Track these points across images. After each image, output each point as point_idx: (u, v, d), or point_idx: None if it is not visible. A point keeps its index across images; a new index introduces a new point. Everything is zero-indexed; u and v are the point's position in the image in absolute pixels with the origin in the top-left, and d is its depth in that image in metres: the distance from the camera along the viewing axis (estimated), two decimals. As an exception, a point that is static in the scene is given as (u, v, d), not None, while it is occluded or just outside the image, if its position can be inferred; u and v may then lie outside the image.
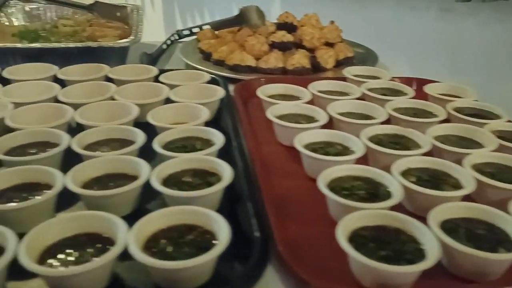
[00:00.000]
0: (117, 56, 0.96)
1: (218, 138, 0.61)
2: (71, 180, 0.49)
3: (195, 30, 1.28)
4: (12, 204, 0.47)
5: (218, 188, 0.49)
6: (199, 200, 0.48)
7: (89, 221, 0.43)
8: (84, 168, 0.52)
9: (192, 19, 2.95)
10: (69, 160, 0.56)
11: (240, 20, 1.09)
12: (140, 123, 0.66)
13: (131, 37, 0.95)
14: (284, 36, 1.03)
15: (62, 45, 0.90)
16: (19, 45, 0.88)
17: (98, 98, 0.72)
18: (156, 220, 0.43)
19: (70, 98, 0.72)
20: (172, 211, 0.44)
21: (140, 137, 0.60)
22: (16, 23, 1.22)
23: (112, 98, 0.73)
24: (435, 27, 2.09)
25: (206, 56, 1.06)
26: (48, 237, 0.42)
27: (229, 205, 0.52)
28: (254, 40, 1.01)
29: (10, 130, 0.63)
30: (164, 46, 1.16)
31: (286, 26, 1.09)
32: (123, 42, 0.92)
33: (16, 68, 0.82)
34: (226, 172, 0.51)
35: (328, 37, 1.07)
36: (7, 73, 0.80)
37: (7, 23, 1.19)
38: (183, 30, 1.26)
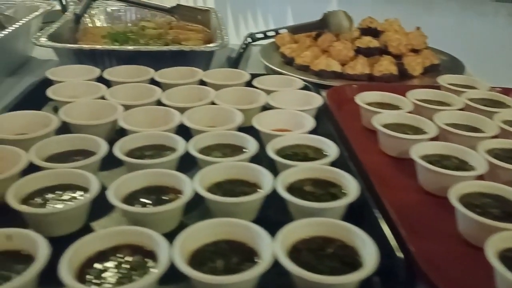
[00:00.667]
0: (205, 59, 0.97)
1: (329, 147, 0.60)
2: (199, 184, 0.50)
3: (269, 33, 1.28)
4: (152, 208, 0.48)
5: (347, 201, 0.48)
6: (327, 212, 0.47)
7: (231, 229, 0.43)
8: (210, 172, 0.53)
9: (245, 21, 2.97)
10: (184, 164, 0.58)
11: (323, 24, 1.08)
12: (243, 128, 0.66)
13: (219, 41, 0.96)
14: (370, 42, 1.01)
15: (156, 48, 0.91)
16: (117, 47, 0.90)
17: (199, 103, 0.73)
18: (298, 230, 0.43)
19: (172, 101, 0.73)
20: (311, 222, 0.44)
21: (251, 144, 0.60)
22: (98, 24, 1.26)
23: (213, 103, 0.73)
24: (507, 33, 2.01)
25: (288, 61, 1.06)
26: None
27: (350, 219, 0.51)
28: (340, 46, 0.99)
29: (121, 131, 0.65)
30: (241, 50, 1.16)
31: (370, 31, 1.07)
32: (213, 46, 0.93)
33: (115, 69, 0.84)
34: (351, 184, 0.51)
35: (413, 43, 1.04)
36: (107, 74, 0.83)
37: (90, 25, 1.23)
38: (256, 33, 1.27)
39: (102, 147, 0.58)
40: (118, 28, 1.14)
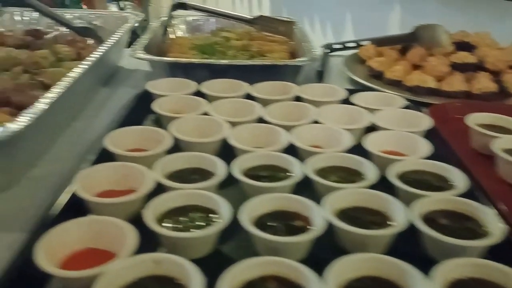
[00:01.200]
0: (293, 73, 0.96)
1: (453, 175, 0.57)
2: (328, 211, 0.48)
3: (349, 44, 1.26)
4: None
5: (495, 239, 0.45)
6: (472, 250, 0.45)
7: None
8: (336, 199, 0.51)
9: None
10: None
11: (414, 38, 1.04)
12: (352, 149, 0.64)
13: (308, 55, 0.95)
14: (466, 58, 0.96)
15: (251, 62, 0.91)
16: (213, 61, 0.91)
17: (302, 121, 0.71)
18: (456, 269, 0.41)
19: (274, 118, 0.72)
20: (467, 262, 0.41)
21: (369, 168, 0.58)
22: (179, 34, 1.28)
23: (316, 121, 0.72)
24: None
25: (376, 74, 1.03)
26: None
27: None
28: (435, 61, 0.96)
29: (229, 148, 0.65)
30: (323, 62, 1.15)
31: (464, 45, 1.02)
32: (304, 60, 0.92)
33: (210, 83, 0.85)
34: (489, 218, 0.48)
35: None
36: (205, 88, 0.83)
37: (172, 35, 1.25)
38: (333, 44, 1.25)
39: (219, 166, 0.58)
40: (202, 39, 1.15)
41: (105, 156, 0.62)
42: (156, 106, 0.76)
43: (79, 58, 0.97)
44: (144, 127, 0.68)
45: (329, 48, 1.23)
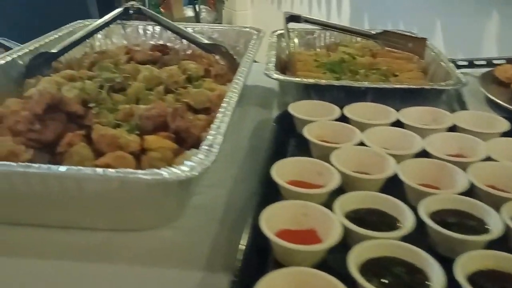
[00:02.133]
0: (436, 96, 0.90)
1: None
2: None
3: (478, 62, 1.17)
4: None
5: None
6: None
7: None
8: None
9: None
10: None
11: None
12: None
13: (455, 78, 0.88)
14: None
15: (397, 85, 0.86)
16: (355, 83, 0.87)
17: (474, 158, 0.65)
18: None
19: (436, 152, 0.67)
20: None
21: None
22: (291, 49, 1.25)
23: (489, 158, 0.66)
24: None
25: (523, 99, 0.94)
26: None
27: None
28: None
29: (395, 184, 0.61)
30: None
31: None
32: (454, 83, 0.85)
33: (354, 107, 0.81)
34: None
35: None
36: (348, 112, 0.79)
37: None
38: (457, 60, 1.16)
39: (401, 209, 0.54)
40: (324, 55, 1.11)
41: (268, 187, 0.60)
42: (305, 132, 0.73)
43: (208, 75, 0.97)
44: (306, 159, 0.65)
45: (455, 64, 1.15)
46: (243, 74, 0.80)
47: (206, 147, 0.55)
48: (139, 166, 0.63)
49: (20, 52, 0.92)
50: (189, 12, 4.12)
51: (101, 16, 1.15)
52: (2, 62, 0.86)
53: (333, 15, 3.05)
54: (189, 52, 1.18)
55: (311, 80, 0.86)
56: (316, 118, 0.77)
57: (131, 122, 0.70)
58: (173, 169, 0.49)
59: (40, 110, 0.65)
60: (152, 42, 1.19)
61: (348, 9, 2.95)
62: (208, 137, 0.58)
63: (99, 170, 0.49)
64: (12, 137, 0.63)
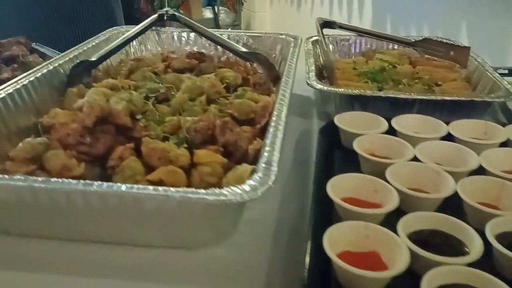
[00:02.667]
0: (483, 108, 0.87)
1: None
2: None
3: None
4: None
5: None
6: None
7: None
8: None
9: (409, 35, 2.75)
10: None
11: None
12: None
13: (503, 90, 0.85)
14: None
15: (447, 97, 0.83)
16: (403, 94, 0.84)
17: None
18: None
19: (493, 169, 0.64)
20: None
21: None
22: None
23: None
24: None
25: None
26: None
27: None
28: None
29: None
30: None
31: None
32: (506, 96, 0.83)
33: (402, 119, 0.79)
34: None
35: None
36: (396, 124, 0.77)
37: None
38: (497, 68, 1.13)
39: (473, 236, 0.51)
40: (361, 63, 1.09)
41: (323, 204, 0.59)
42: (355, 146, 0.71)
43: (247, 84, 0.96)
44: (361, 175, 0.63)
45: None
46: (289, 85, 0.78)
47: (264, 165, 0.53)
48: (189, 180, 0.63)
49: (61, 60, 0.92)
50: (207, 13, 4.12)
51: (126, 21, 1.15)
52: (45, 71, 0.86)
53: (354, 17, 3.00)
54: (223, 58, 1.17)
55: (356, 91, 0.84)
56: (364, 131, 0.75)
57: (179, 134, 0.69)
58: (235, 189, 0.48)
59: (91, 123, 0.64)
60: (186, 48, 1.19)
61: (370, 11, 2.90)
62: (264, 153, 0.56)
63: (161, 189, 0.48)
64: (63, 150, 0.63)
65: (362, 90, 0.84)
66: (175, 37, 1.20)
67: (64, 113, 0.72)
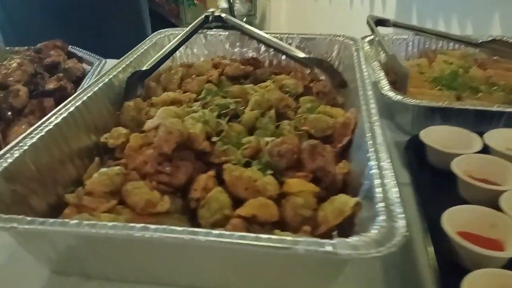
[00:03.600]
0: None
1: None
2: None
3: None
4: None
5: None
6: None
7: None
8: None
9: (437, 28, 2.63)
10: None
11: None
12: None
13: None
14: None
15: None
16: (506, 107, 0.77)
17: None
18: None
19: None
20: None
21: None
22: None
23: None
24: None
25: None
26: None
27: None
28: None
29: None
30: None
31: None
32: None
33: (494, 134, 0.72)
34: None
35: None
36: (489, 140, 0.70)
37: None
38: None
39: None
40: (426, 66, 1.02)
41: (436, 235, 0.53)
42: (455, 169, 0.64)
43: (309, 93, 0.89)
44: (477, 207, 0.56)
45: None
46: (369, 96, 0.71)
47: (383, 205, 0.47)
48: (280, 212, 0.57)
49: (114, 71, 0.86)
50: (222, 3, 4.02)
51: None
52: (101, 84, 0.80)
53: (377, 8, 2.89)
54: (275, 62, 1.11)
55: (441, 104, 0.77)
56: (458, 151, 0.68)
57: (262, 159, 0.63)
58: (364, 238, 0.42)
59: (169, 149, 0.58)
60: (235, 51, 1.12)
61: (393, 1, 2.80)
62: (375, 189, 0.50)
63: (288, 240, 0.42)
64: (143, 181, 0.57)
65: (448, 103, 0.77)
66: (223, 39, 1.13)
67: (136, 136, 0.66)
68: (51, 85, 0.95)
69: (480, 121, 0.78)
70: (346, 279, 0.51)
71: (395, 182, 0.50)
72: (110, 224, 0.43)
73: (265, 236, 0.42)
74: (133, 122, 0.80)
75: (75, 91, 1.02)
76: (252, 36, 1.08)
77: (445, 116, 0.79)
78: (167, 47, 0.98)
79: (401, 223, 0.44)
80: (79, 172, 0.68)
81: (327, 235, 0.56)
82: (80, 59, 1.21)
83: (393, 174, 0.52)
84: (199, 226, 0.56)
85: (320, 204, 0.58)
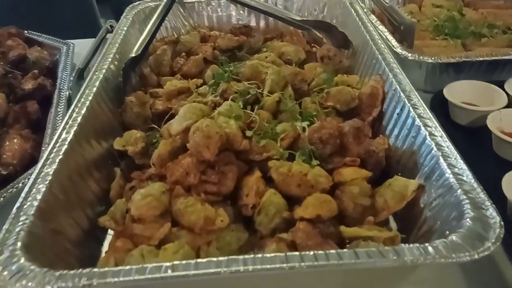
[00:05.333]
0: None
1: None
2: None
3: None
4: None
5: None
6: None
7: None
8: None
9: None
10: None
11: None
12: None
13: None
14: None
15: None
16: None
17: None
18: None
19: None
20: None
21: None
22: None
23: None
24: None
25: None
26: None
27: None
28: None
29: None
30: None
31: None
32: None
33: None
34: None
35: None
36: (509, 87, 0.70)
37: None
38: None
39: None
40: (428, 13, 0.99)
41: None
42: (491, 127, 0.64)
43: (312, 59, 0.85)
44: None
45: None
46: (397, 65, 0.68)
47: (467, 200, 0.45)
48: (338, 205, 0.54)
49: (103, 63, 0.77)
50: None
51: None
52: (97, 83, 0.71)
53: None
54: (262, 26, 1.04)
55: (458, 59, 0.75)
56: (486, 108, 0.68)
57: (305, 149, 0.59)
58: (462, 235, 0.41)
59: (212, 156, 0.53)
60: (213, 16, 1.04)
61: None
62: (450, 180, 0.48)
63: (392, 251, 0.40)
64: (195, 197, 0.52)
65: (466, 56, 0.76)
66: (200, 8, 1.04)
67: (165, 143, 0.60)
68: (28, 85, 0.85)
69: (493, 70, 0.77)
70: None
71: (464, 162, 0.49)
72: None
73: (372, 250, 0.40)
74: (139, 119, 0.73)
75: (55, 87, 0.93)
76: (240, 3, 0.99)
77: (458, 69, 0.78)
78: (149, 26, 0.89)
79: (496, 219, 0.42)
80: (100, 186, 0.62)
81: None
82: (41, 45, 1.08)
83: (457, 153, 0.50)
84: (256, 232, 0.53)
85: (373, 189, 0.56)
